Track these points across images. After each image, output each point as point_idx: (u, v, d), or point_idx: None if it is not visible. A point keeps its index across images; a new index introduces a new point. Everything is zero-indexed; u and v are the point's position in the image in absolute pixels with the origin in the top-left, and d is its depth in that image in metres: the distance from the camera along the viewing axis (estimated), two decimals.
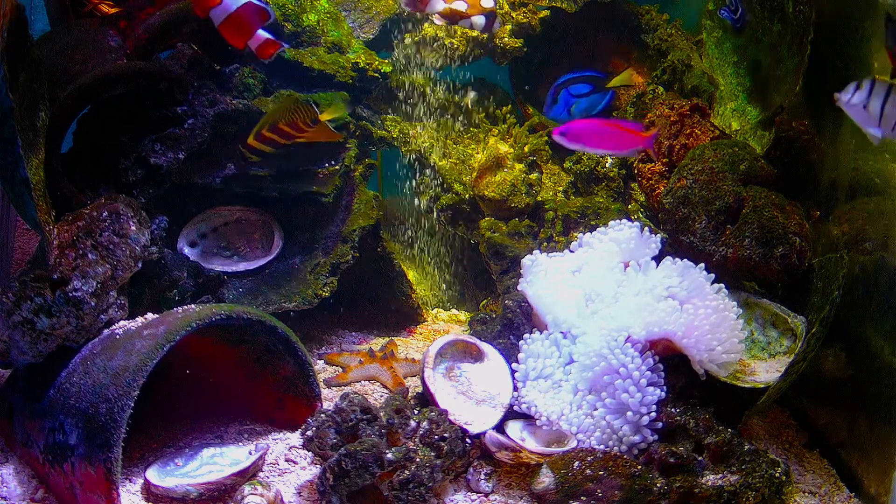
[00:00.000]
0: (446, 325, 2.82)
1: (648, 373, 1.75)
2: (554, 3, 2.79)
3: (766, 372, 1.85)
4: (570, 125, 2.08)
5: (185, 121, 2.12)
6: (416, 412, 1.75)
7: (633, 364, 1.75)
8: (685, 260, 1.92)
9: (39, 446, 1.59)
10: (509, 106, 2.86)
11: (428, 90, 2.86)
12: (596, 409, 1.76)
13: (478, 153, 2.77)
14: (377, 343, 2.55)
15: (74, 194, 1.92)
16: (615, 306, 1.88)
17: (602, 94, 2.73)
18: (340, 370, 2.29)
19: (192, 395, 1.89)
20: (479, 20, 2.15)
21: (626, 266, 1.99)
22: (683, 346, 1.77)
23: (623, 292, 1.92)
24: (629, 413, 1.71)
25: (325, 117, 2.22)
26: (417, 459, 1.60)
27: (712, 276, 1.89)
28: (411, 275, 2.94)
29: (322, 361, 2.38)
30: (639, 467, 1.63)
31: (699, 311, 1.78)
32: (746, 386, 1.80)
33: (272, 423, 1.91)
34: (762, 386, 1.79)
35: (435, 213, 2.79)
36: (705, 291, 1.86)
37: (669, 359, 1.81)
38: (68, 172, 1.95)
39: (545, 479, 1.62)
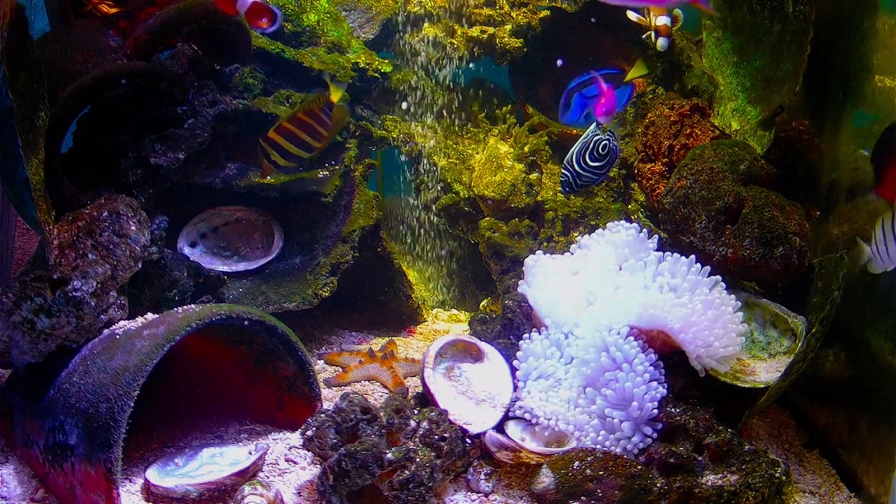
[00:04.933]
0: (446, 325, 2.82)
1: (651, 368, 1.75)
2: (554, 3, 2.79)
3: (766, 372, 1.85)
4: (603, 103, 2.07)
5: (185, 121, 2.12)
6: (416, 412, 1.75)
7: (637, 359, 1.75)
8: (675, 254, 1.92)
9: (39, 446, 1.59)
10: (509, 106, 2.87)
11: (428, 90, 2.86)
12: (594, 404, 1.76)
13: (478, 153, 2.78)
14: (377, 343, 2.55)
15: (74, 194, 1.92)
16: (612, 301, 1.88)
17: (622, 90, 2.72)
18: (340, 370, 2.29)
19: (193, 394, 1.89)
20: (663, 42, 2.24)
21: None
22: (681, 340, 1.76)
23: (620, 291, 1.92)
24: (634, 404, 1.70)
25: (335, 97, 2.17)
26: (417, 459, 1.60)
27: (707, 268, 1.89)
28: (411, 275, 2.94)
29: (322, 361, 2.38)
30: (639, 467, 1.63)
31: (696, 305, 1.78)
32: (746, 386, 1.80)
33: (272, 423, 1.91)
34: (762, 386, 1.79)
35: (434, 213, 2.79)
36: (701, 285, 1.86)
37: (668, 358, 1.81)
38: (68, 172, 1.95)
39: (545, 479, 1.62)
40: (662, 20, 2.18)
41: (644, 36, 2.29)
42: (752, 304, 1.99)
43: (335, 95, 2.17)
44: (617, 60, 2.96)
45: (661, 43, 2.19)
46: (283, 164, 2.15)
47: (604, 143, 2.13)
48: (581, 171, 2.16)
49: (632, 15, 2.29)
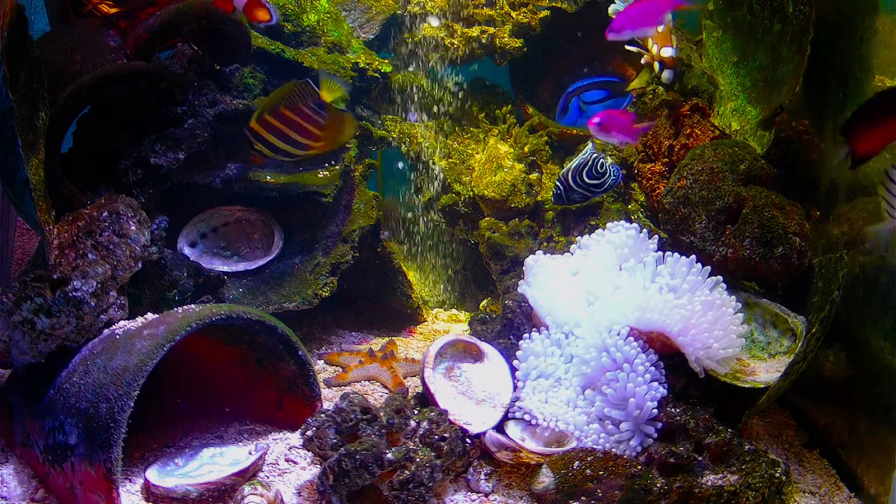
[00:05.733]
0: (446, 325, 2.82)
1: (651, 368, 1.75)
2: (554, 3, 2.79)
3: (766, 372, 1.85)
4: (602, 116, 2.07)
5: (185, 121, 2.12)
6: (416, 412, 1.75)
7: (638, 360, 1.75)
8: (675, 254, 1.92)
9: (39, 446, 1.59)
10: (509, 106, 2.87)
11: (428, 90, 2.86)
12: (595, 404, 1.76)
13: (478, 153, 2.78)
14: (377, 343, 2.55)
15: (74, 194, 1.92)
16: (612, 302, 1.88)
17: (620, 99, 2.73)
18: (340, 370, 2.29)
19: (193, 394, 1.89)
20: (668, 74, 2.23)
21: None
22: (680, 343, 1.76)
23: (620, 291, 1.92)
24: (634, 403, 1.70)
25: (326, 97, 2.05)
26: (417, 459, 1.60)
27: (707, 269, 1.89)
28: (411, 275, 2.94)
29: (322, 361, 2.38)
30: (639, 467, 1.63)
31: (696, 307, 1.78)
32: (746, 386, 1.80)
33: (272, 423, 1.91)
34: (762, 386, 1.79)
35: (435, 214, 2.79)
36: (702, 286, 1.86)
37: (668, 358, 1.81)
38: (68, 172, 1.95)
39: (545, 479, 1.62)
40: (668, 52, 2.17)
41: (643, 61, 2.28)
42: (752, 304, 1.99)
43: (328, 94, 2.06)
44: (617, 60, 2.96)
45: (667, 75, 2.19)
46: (270, 155, 2.08)
47: (601, 162, 2.22)
48: (573, 187, 2.24)
49: (630, 47, 2.29)
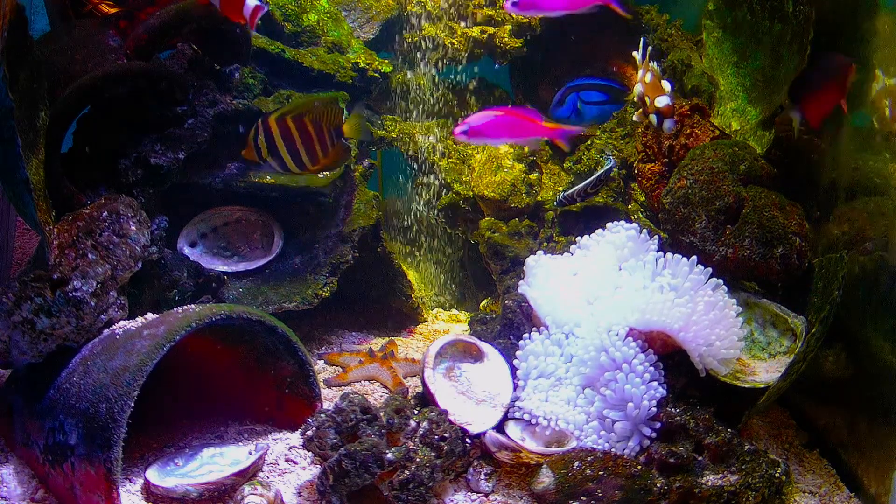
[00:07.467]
0: (446, 325, 2.82)
1: (651, 368, 1.75)
2: None
3: (766, 372, 1.85)
4: (468, 121, 2.11)
5: (185, 121, 2.12)
6: (416, 412, 1.75)
7: (636, 360, 1.75)
8: (675, 254, 1.92)
9: (39, 446, 1.59)
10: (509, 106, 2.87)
11: (428, 90, 2.86)
12: (594, 404, 1.76)
13: (478, 153, 2.78)
14: (377, 343, 2.55)
15: (74, 194, 1.92)
16: (612, 302, 1.88)
17: (616, 106, 2.73)
18: (340, 370, 2.29)
19: (193, 395, 1.89)
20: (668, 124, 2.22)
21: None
22: (681, 339, 1.76)
23: (620, 291, 1.92)
24: (630, 405, 1.71)
25: (348, 133, 2.11)
26: (417, 459, 1.60)
27: (709, 270, 1.90)
28: (411, 275, 2.94)
29: (322, 361, 2.38)
30: (639, 467, 1.63)
31: (697, 306, 1.78)
32: (746, 386, 1.80)
33: (272, 423, 1.91)
34: (762, 386, 1.79)
35: (435, 213, 2.79)
36: (703, 287, 1.86)
37: (669, 358, 1.81)
38: (68, 172, 1.94)
39: (545, 479, 1.62)
40: (662, 101, 2.15)
41: (638, 113, 2.28)
42: (752, 304, 1.99)
43: (349, 131, 2.11)
44: (616, 59, 2.96)
45: (667, 125, 2.16)
46: (266, 157, 2.07)
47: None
48: (576, 198, 2.40)
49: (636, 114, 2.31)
